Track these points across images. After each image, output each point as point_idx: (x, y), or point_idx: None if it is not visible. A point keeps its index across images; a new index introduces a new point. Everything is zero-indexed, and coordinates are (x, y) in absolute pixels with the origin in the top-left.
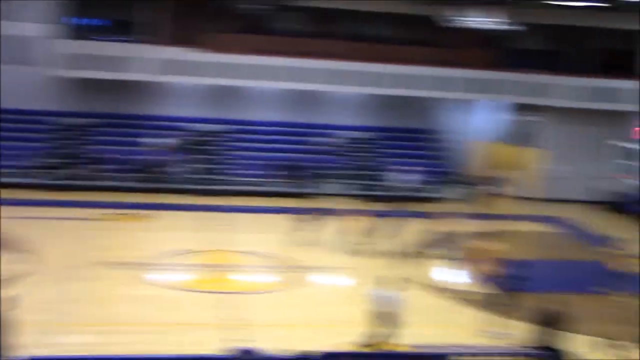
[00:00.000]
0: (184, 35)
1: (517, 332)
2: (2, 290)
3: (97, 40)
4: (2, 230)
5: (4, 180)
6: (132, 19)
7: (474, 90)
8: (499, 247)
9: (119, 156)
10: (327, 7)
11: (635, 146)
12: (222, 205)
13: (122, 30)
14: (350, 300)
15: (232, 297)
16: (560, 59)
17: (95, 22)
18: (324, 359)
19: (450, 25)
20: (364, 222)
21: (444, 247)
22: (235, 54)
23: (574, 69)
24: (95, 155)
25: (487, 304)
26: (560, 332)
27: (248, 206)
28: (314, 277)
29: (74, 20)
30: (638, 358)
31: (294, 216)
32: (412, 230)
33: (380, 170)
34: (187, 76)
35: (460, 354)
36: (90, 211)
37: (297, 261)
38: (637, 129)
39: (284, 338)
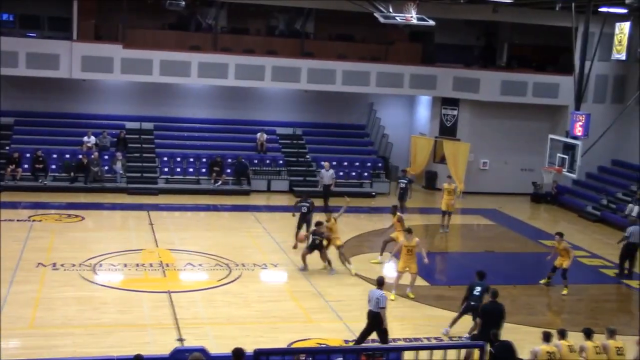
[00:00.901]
0: (105, 31)
1: (458, 324)
2: None
3: (16, 36)
4: None
5: None
6: (52, 14)
7: (404, 85)
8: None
9: (42, 155)
10: (252, 3)
11: (570, 140)
12: (156, 204)
13: (40, 25)
14: (286, 297)
15: (171, 296)
16: (493, 54)
17: (8, 17)
18: (257, 356)
19: (379, 21)
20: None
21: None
22: (158, 50)
23: (506, 64)
24: (17, 155)
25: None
26: (500, 324)
27: (180, 204)
28: (251, 274)
29: None
30: (580, 346)
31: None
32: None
33: (311, 166)
34: (106, 73)
35: (401, 348)
36: (19, 212)
37: (233, 258)
38: (575, 123)
39: (221, 336)
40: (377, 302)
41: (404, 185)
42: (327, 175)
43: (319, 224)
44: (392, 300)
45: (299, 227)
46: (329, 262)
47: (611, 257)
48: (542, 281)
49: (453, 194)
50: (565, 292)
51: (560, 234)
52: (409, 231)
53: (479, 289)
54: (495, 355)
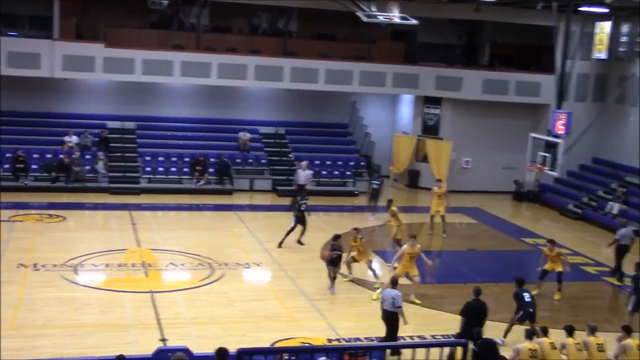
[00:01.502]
0: (87, 30)
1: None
2: None
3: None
4: None
5: None
6: (33, 13)
7: (387, 84)
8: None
9: (23, 155)
10: (235, 2)
11: (552, 138)
12: (138, 204)
13: (21, 24)
14: (270, 296)
15: (153, 296)
16: (475, 53)
17: None
18: (240, 355)
19: (362, 20)
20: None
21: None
22: (140, 49)
23: (489, 63)
24: None
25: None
26: (483, 322)
27: (163, 204)
28: (234, 274)
29: None
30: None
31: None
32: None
33: (294, 165)
34: (88, 72)
35: (384, 347)
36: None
37: (216, 258)
38: (557, 121)
39: (204, 336)
40: (392, 301)
41: (376, 187)
42: (303, 175)
43: (337, 237)
44: (374, 300)
45: (294, 228)
46: (334, 278)
47: (592, 254)
48: (533, 291)
49: (443, 198)
50: (558, 297)
51: (552, 241)
52: (413, 237)
53: (527, 294)
54: (478, 353)
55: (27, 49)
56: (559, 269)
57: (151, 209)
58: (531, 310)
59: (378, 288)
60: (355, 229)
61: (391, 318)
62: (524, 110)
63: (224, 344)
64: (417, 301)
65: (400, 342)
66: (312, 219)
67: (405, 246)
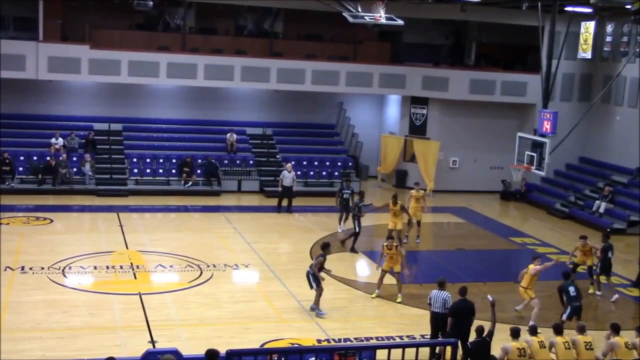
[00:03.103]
0: (71, 31)
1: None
2: None
3: None
4: None
5: None
6: (17, 14)
7: (374, 85)
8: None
9: (9, 157)
10: (221, 3)
11: (538, 137)
12: (126, 205)
13: (5, 26)
14: (258, 297)
15: (142, 298)
16: (461, 53)
17: None
18: (229, 356)
19: (348, 20)
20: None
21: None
22: (126, 51)
23: (475, 63)
24: None
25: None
26: (471, 321)
27: (150, 205)
28: (223, 275)
29: None
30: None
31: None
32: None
33: (281, 165)
34: (73, 74)
35: (374, 347)
36: None
37: (205, 259)
38: (543, 121)
39: (193, 337)
40: (444, 303)
41: (347, 196)
42: (289, 176)
43: (326, 247)
44: (373, 297)
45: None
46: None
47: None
48: (590, 290)
49: (422, 202)
50: (592, 290)
51: (584, 237)
52: (391, 237)
53: (572, 288)
54: (470, 350)
55: (12, 50)
56: (589, 262)
57: (139, 211)
58: (577, 304)
59: (399, 300)
60: (391, 237)
61: (442, 320)
62: (510, 110)
63: (213, 345)
64: (398, 299)
65: (390, 342)
66: (301, 219)
67: (384, 244)
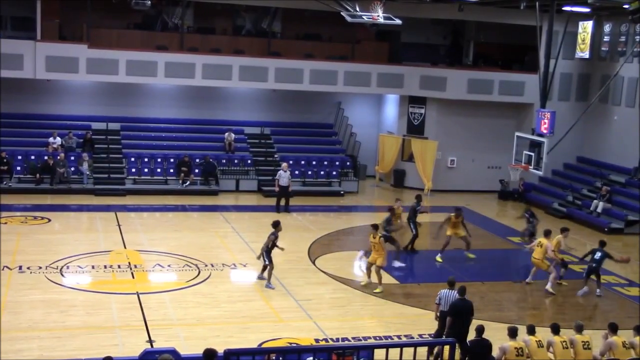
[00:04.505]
0: (69, 31)
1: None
2: None
3: None
4: None
5: None
6: (15, 14)
7: (372, 84)
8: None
9: (7, 156)
10: (219, 3)
11: (536, 137)
12: (124, 205)
13: (3, 25)
14: (256, 297)
15: (139, 297)
16: (459, 53)
17: None
18: (227, 356)
19: (346, 20)
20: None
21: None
22: (124, 50)
23: (473, 63)
24: None
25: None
26: (469, 320)
27: (148, 205)
28: (221, 274)
29: None
30: (547, 341)
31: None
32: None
33: (279, 165)
34: (71, 73)
35: (372, 346)
36: None
37: (202, 259)
38: (541, 120)
39: (191, 337)
40: None
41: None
42: (285, 176)
43: (276, 224)
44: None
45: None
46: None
47: (578, 253)
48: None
49: (399, 218)
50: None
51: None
52: (375, 226)
53: (599, 254)
54: (469, 349)
55: (10, 50)
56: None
57: (137, 210)
58: (594, 265)
59: (379, 292)
60: (374, 225)
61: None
62: (508, 110)
63: (211, 344)
64: (378, 290)
65: (388, 341)
66: (299, 219)
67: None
